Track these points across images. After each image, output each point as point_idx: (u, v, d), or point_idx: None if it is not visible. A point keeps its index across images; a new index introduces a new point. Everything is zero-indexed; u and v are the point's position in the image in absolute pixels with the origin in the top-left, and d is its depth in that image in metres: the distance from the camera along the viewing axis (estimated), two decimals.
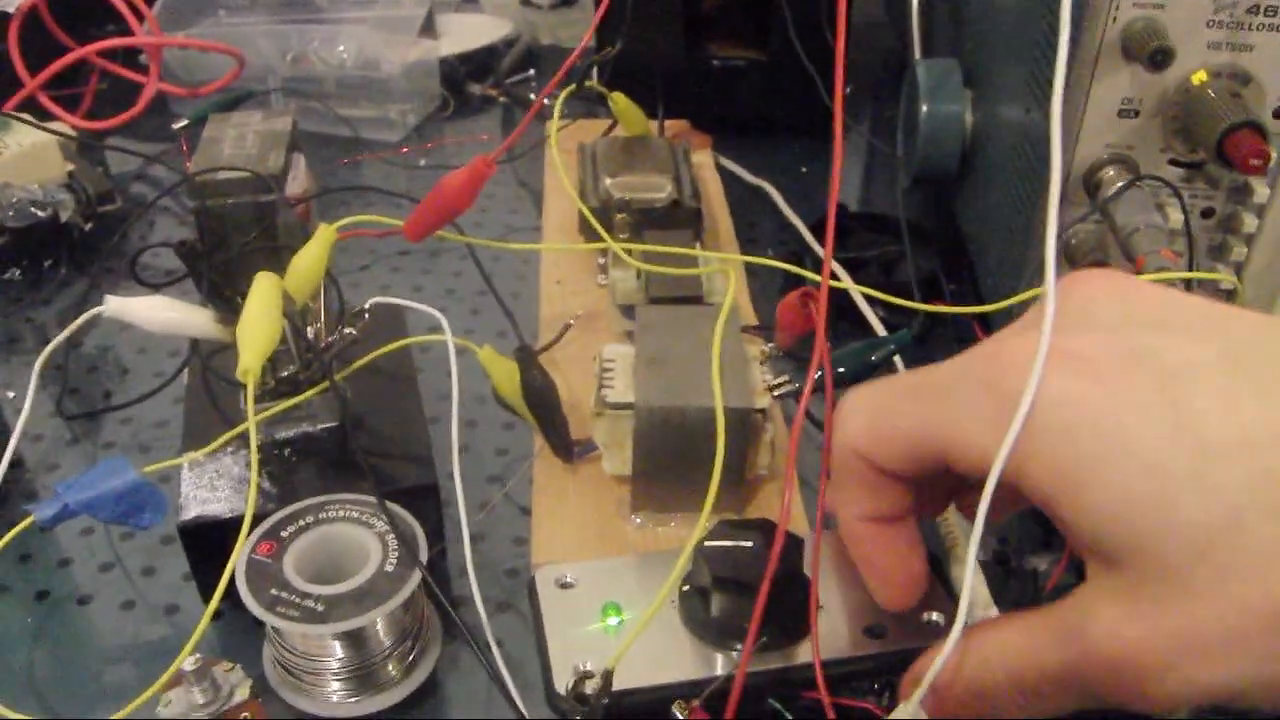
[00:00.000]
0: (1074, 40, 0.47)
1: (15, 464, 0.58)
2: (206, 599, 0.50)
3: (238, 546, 0.41)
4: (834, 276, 0.56)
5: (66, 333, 0.46)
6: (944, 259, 0.67)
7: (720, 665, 0.39)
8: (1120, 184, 0.48)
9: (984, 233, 0.65)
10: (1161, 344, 0.30)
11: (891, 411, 0.35)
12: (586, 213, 0.57)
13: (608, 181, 0.62)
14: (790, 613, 0.39)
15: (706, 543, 0.39)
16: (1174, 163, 0.50)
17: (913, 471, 0.35)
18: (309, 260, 0.49)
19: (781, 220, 0.75)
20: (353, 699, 0.44)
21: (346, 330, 0.49)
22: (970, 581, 0.32)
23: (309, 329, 0.51)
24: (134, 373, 0.65)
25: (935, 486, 0.38)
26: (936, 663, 0.32)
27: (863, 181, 0.85)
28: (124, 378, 0.64)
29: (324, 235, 0.49)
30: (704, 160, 0.75)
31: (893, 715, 0.32)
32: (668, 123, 0.77)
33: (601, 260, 0.60)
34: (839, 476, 0.37)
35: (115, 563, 0.52)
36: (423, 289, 0.70)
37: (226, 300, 0.51)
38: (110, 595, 0.51)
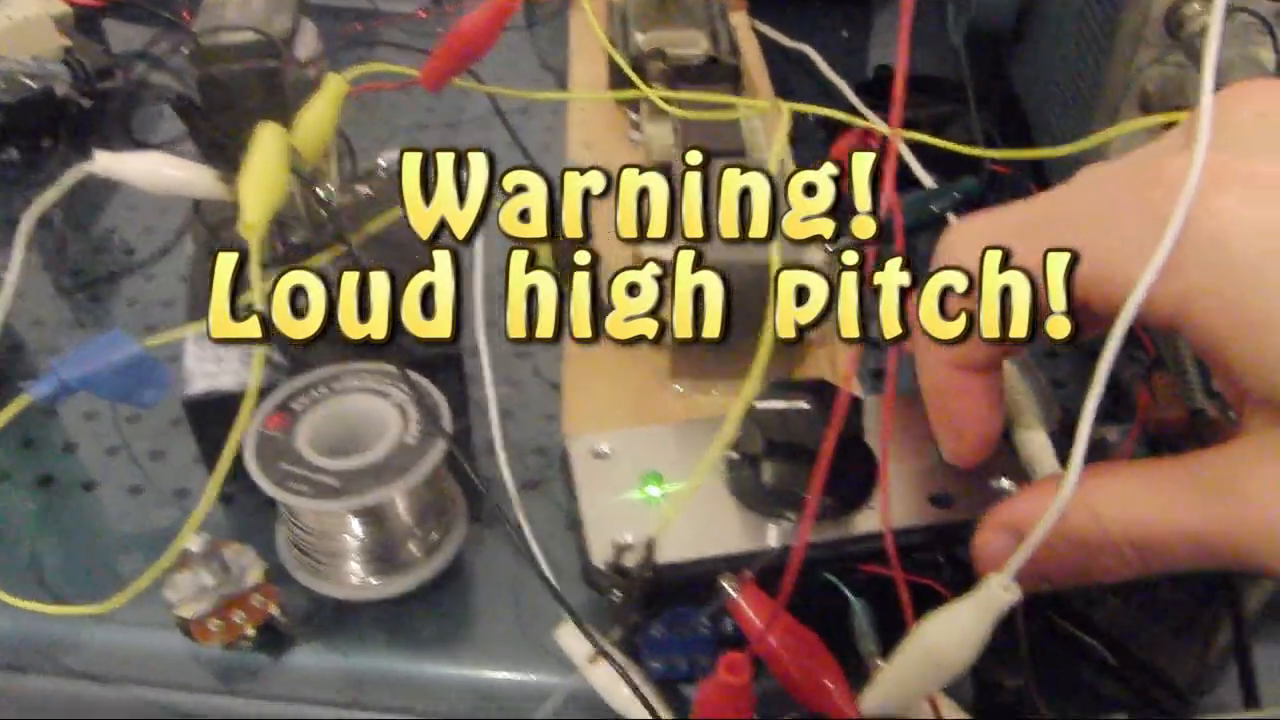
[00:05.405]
0: None
1: (15, 347, 0.55)
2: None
3: (241, 416, 0.37)
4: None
5: (55, 192, 0.42)
6: (997, 120, 0.62)
7: (773, 536, 0.35)
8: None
9: (1041, 91, 0.61)
10: None
11: (1020, 242, 0.30)
12: (620, 60, 0.52)
13: (639, 37, 0.57)
14: (847, 479, 0.36)
15: (758, 404, 0.36)
16: None
17: None
18: (317, 114, 0.45)
19: (821, 86, 0.70)
20: (373, 580, 0.41)
21: (361, 189, 0.45)
22: (1094, 409, 0.28)
23: (320, 191, 0.47)
24: (139, 252, 0.61)
25: None
26: (1050, 512, 0.28)
27: (909, 41, 0.79)
28: (129, 259, 0.61)
29: (333, 87, 0.45)
30: (740, 21, 0.70)
31: (982, 586, 0.29)
32: None
33: (634, 117, 0.56)
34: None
35: (122, 446, 0.50)
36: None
37: (230, 162, 0.47)
38: (117, 480, 0.48)
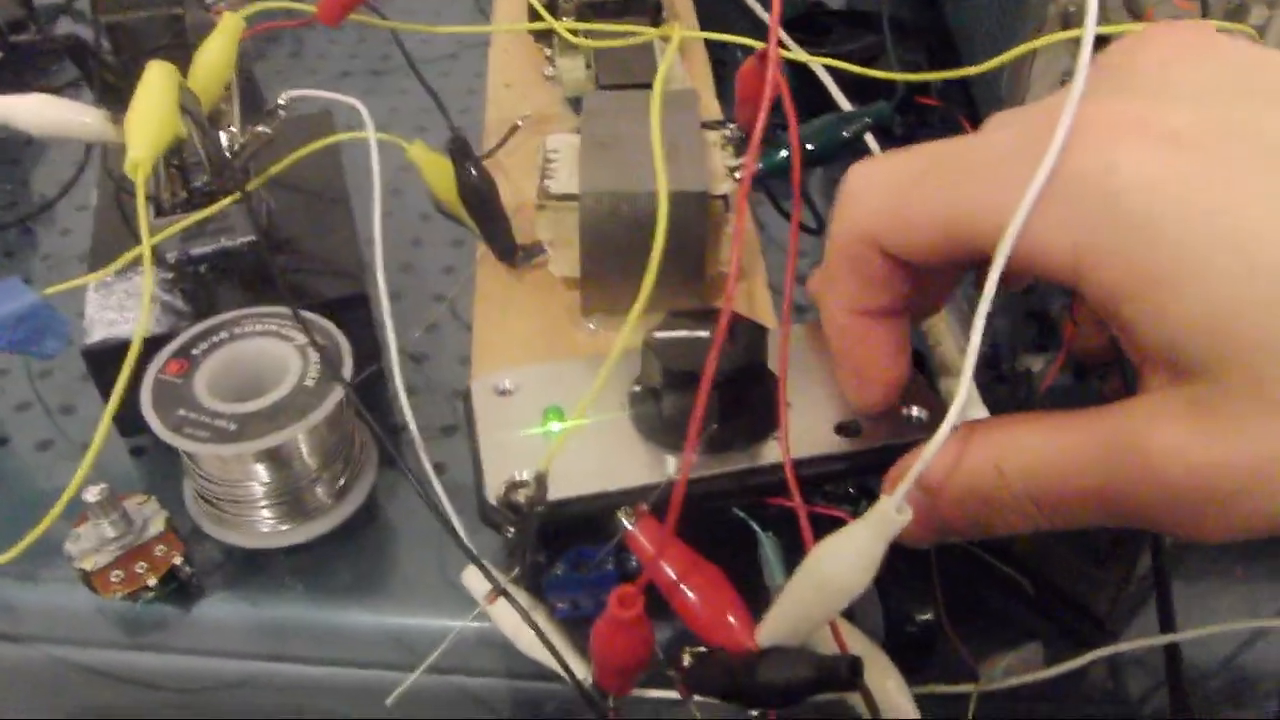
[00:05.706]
0: None
1: None
2: (124, 432, 0.46)
3: (128, 360, 0.36)
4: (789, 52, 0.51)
5: None
6: (930, 56, 0.61)
7: (673, 468, 0.34)
8: None
9: (970, 22, 0.60)
10: (1263, 116, 0.25)
11: (919, 189, 0.29)
12: None
13: None
14: (752, 408, 0.35)
15: (656, 334, 0.35)
16: None
17: (934, 261, 0.29)
18: (213, 53, 0.44)
19: (754, 23, 0.69)
20: (282, 527, 0.40)
21: (259, 129, 0.44)
22: (974, 359, 0.27)
23: (222, 135, 0.46)
24: (54, 207, 0.60)
25: (935, 279, 0.33)
26: (927, 450, 0.27)
27: None
28: (45, 214, 0.60)
29: (229, 25, 0.44)
30: None
31: (874, 508, 0.28)
32: None
33: (548, 53, 0.55)
34: (835, 261, 0.32)
35: (33, 401, 0.49)
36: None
37: (125, 105, 0.46)
38: (27, 435, 0.47)
